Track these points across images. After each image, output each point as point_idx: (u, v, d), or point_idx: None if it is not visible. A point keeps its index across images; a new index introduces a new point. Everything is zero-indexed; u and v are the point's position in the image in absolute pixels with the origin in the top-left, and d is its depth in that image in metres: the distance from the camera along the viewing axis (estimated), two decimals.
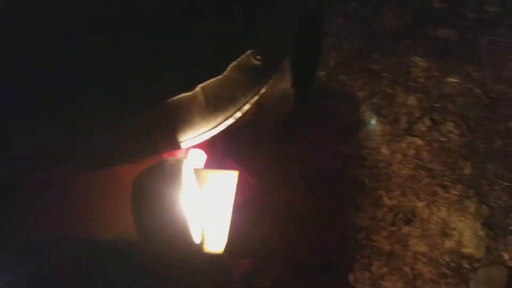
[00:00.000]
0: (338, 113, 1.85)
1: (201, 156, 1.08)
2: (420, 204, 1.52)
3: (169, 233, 0.70)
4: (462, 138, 1.69)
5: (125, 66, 0.68)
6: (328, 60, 2.07)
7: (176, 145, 0.73)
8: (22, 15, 0.69)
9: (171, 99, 0.67)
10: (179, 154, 0.95)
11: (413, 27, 2.19)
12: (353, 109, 1.86)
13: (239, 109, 0.76)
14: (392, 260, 1.42)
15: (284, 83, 1.34)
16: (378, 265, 1.42)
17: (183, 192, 0.72)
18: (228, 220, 0.87)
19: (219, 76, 0.71)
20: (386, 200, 1.55)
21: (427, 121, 1.76)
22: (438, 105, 1.83)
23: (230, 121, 0.76)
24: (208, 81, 0.69)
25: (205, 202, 0.87)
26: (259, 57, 0.76)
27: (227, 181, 0.91)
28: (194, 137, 0.73)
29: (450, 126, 1.73)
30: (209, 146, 1.13)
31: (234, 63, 0.72)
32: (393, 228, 1.49)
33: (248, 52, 0.75)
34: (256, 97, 0.78)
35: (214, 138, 1.10)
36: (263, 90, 0.81)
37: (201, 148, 1.10)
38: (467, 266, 1.37)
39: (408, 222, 1.49)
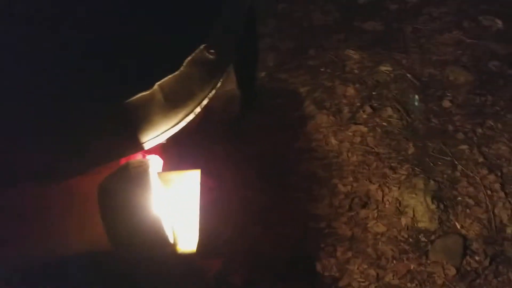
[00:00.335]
0: (284, 109, 1.88)
1: (157, 161, 1.05)
2: (372, 187, 1.58)
3: (144, 235, 0.68)
4: (402, 121, 1.78)
5: (79, 69, 0.65)
6: (267, 61, 2.11)
7: (139, 147, 0.70)
8: None
9: (130, 100, 0.65)
10: (138, 157, 0.92)
11: (342, 23, 2.29)
12: (298, 105, 1.89)
13: (198, 104, 0.74)
14: (355, 244, 1.46)
15: (229, 84, 1.34)
16: (342, 250, 1.45)
17: (152, 193, 0.69)
18: (197, 218, 0.85)
19: (176, 72, 0.70)
20: (341, 188, 1.60)
21: (367, 109, 1.83)
22: (375, 93, 1.91)
23: (191, 116, 0.75)
24: (165, 78, 0.68)
25: (171, 203, 0.84)
26: (212, 51, 0.75)
27: (190, 180, 0.90)
28: (157, 136, 0.71)
29: (389, 111, 1.82)
30: (163, 152, 1.11)
31: (189, 58, 0.71)
32: (351, 213, 1.53)
33: (201, 46, 0.74)
34: (213, 92, 0.78)
35: (165, 145, 1.08)
36: (219, 84, 0.81)
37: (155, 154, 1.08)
38: (424, 239, 1.44)
39: (364, 205, 1.54)
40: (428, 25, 2.20)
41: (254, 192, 1.56)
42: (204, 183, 1.40)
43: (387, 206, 1.53)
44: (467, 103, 1.81)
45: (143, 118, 0.67)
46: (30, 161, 0.64)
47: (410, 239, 1.45)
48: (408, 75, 1.97)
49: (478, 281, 1.33)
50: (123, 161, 0.80)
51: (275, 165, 1.67)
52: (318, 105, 1.88)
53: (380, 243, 1.45)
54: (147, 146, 0.71)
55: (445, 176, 1.58)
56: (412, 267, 1.38)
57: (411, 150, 1.68)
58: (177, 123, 0.73)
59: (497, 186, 1.53)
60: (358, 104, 1.87)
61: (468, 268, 1.36)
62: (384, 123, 1.78)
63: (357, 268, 1.40)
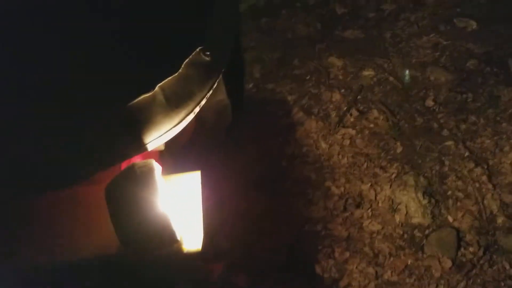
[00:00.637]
0: (274, 117, 1.92)
1: (157, 166, 1.07)
2: (365, 187, 1.61)
3: (152, 231, 0.69)
4: (388, 122, 1.83)
5: (81, 74, 0.67)
6: (253, 73, 2.15)
7: (142, 147, 0.72)
8: None
9: (132, 102, 0.67)
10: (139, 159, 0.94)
11: (323, 33, 2.35)
12: (287, 112, 1.93)
13: (198, 104, 0.77)
14: (352, 244, 1.48)
15: (220, 94, 1.37)
16: (339, 251, 1.47)
17: (158, 191, 0.71)
18: (201, 218, 0.87)
19: (175, 74, 0.72)
20: (334, 190, 1.63)
21: (354, 112, 1.88)
22: (360, 96, 1.96)
23: (191, 116, 0.77)
24: (166, 80, 0.70)
25: (174, 203, 0.86)
26: (208, 53, 0.78)
27: (191, 182, 0.92)
28: (159, 136, 0.73)
29: (375, 113, 1.87)
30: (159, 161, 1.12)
31: (187, 60, 0.74)
32: (346, 214, 1.56)
33: (198, 49, 0.77)
34: (210, 92, 0.81)
35: (162, 154, 1.09)
36: (215, 85, 0.84)
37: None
38: (419, 234, 1.47)
39: (358, 205, 1.57)
40: (405, 30, 2.27)
41: (249, 200, 1.58)
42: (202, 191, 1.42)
43: (380, 204, 1.56)
44: (449, 101, 1.86)
45: (146, 119, 0.69)
46: (36, 168, 0.65)
47: (405, 235, 1.48)
48: (391, 78, 2.02)
49: (474, 271, 1.36)
50: (125, 164, 0.82)
51: (268, 172, 1.70)
52: (306, 111, 1.92)
53: (376, 241, 1.48)
54: (150, 147, 0.73)
55: (433, 172, 1.62)
56: (409, 262, 1.41)
57: (399, 149, 1.72)
58: (179, 123, 0.75)
59: (484, 178, 1.58)
60: (345, 108, 1.91)
61: (464, 260, 1.39)
62: (371, 125, 1.82)
63: (356, 268, 1.42)
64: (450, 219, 1.49)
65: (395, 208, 1.54)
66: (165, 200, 0.74)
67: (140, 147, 0.71)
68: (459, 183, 1.58)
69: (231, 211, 1.51)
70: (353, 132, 1.81)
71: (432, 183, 1.59)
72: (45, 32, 0.66)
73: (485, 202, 1.52)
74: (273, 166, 1.72)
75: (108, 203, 0.69)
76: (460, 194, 1.55)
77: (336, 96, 1.97)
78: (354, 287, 1.38)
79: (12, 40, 0.66)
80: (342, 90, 2.00)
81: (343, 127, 1.83)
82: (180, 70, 0.73)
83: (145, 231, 0.69)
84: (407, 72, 1.89)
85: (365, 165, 1.68)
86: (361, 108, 1.90)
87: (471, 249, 1.41)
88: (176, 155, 1.16)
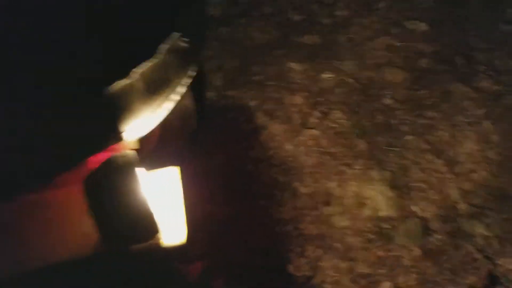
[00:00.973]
0: (237, 123, 1.92)
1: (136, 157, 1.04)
2: (332, 185, 1.63)
3: (135, 222, 0.67)
4: (350, 121, 1.87)
5: (58, 62, 0.65)
6: (214, 81, 2.15)
7: (119, 137, 0.70)
8: None
9: (112, 89, 0.65)
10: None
11: (281, 39, 2.39)
12: (250, 118, 1.94)
13: (174, 91, 0.76)
14: (323, 241, 1.49)
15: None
16: (311, 249, 1.47)
17: (140, 182, 0.70)
18: (183, 212, 0.86)
19: (155, 60, 0.71)
20: (302, 189, 1.64)
21: (317, 114, 1.91)
22: (321, 98, 2.00)
23: (169, 105, 0.76)
24: (144, 66, 0.69)
25: (156, 196, 0.84)
26: (185, 39, 0.78)
27: (170, 177, 0.91)
28: (138, 124, 0.72)
29: (337, 113, 1.90)
30: None
31: (165, 45, 0.73)
32: (315, 213, 1.57)
33: (176, 35, 0.76)
34: (187, 80, 0.80)
35: None
36: (193, 73, 0.83)
37: None
38: (387, 227, 1.50)
39: (327, 203, 1.59)
40: (360, 34, 2.34)
41: (218, 205, 1.57)
42: None
43: (348, 200, 1.58)
44: (406, 98, 1.93)
45: (125, 106, 0.68)
46: (9, 163, 0.62)
47: (375, 228, 1.50)
48: (349, 79, 2.07)
49: (443, 257, 1.40)
50: (91, 161, 0.79)
51: (235, 176, 1.69)
52: (269, 115, 1.94)
53: (347, 236, 1.49)
54: (126, 136, 0.71)
55: (397, 165, 1.67)
56: (380, 254, 1.43)
57: (362, 146, 1.76)
58: (156, 110, 0.74)
59: (444, 168, 1.64)
60: (307, 110, 1.94)
61: (431, 247, 1.43)
62: (334, 125, 1.86)
63: (328, 264, 1.43)
64: (415, 209, 1.53)
65: (362, 203, 1.56)
66: (147, 191, 0.72)
67: (117, 135, 0.69)
68: (422, 174, 1.63)
69: (203, 216, 1.49)
70: (317, 133, 1.84)
71: (396, 176, 1.63)
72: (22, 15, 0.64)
73: (447, 191, 1.57)
74: (240, 170, 1.72)
75: (88, 196, 0.67)
76: (423, 185, 1.59)
77: (298, 99, 2.00)
78: (328, 283, 1.39)
79: None
80: (303, 93, 2.03)
81: (307, 128, 1.85)
82: (160, 57, 0.72)
83: (128, 221, 0.67)
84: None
85: (331, 164, 1.71)
86: (323, 109, 1.94)
87: (437, 236, 1.45)
88: (142, 161, 1.14)
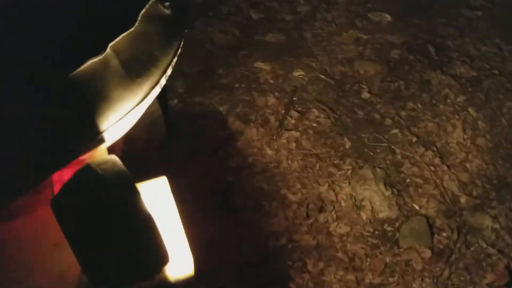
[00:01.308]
0: (209, 131, 1.73)
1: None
2: (322, 188, 1.49)
3: (136, 252, 0.49)
4: (329, 119, 1.74)
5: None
6: (176, 88, 1.95)
7: (97, 139, 0.51)
8: None
9: (77, 70, 0.46)
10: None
11: (243, 39, 2.23)
12: (222, 124, 1.76)
13: (163, 74, 0.58)
14: (323, 252, 1.35)
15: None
16: (312, 262, 1.32)
17: (137, 193, 0.51)
18: (183, 232, 0.68)
19: (130, 29, 0.53)
20: (291, 197, 1.48)
21: (294, 114, 1.77)
22: (296, 97, 1.86)
23: (157, 90, 0.58)
24: (118, 38, 0.50)
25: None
26: (166, 3, 0.60)
27: (159, 188, 0.73)
28: (119, 120, 0.53)
29: (315, 112, 1.77)
30: None
31: (142, 11, 0.55)
32: (309, 221, 1.42)
33: None
34: (175, 59, 0.62)
35: None
36: (179, 50, 0.65)
37: None
38: (390, 229, 1.38)
39: (320, 209, 1.44)
40: (325, 29, 2.24)
41: (202, 220, 1.37)
42: None
43: (343, 204, 1.45)
44: (384, 91, 1.84)
45: (98, 93, 0.49)
46: None
47: (376, 232, 1.37)
48: (322, 76, 1.95)
49: (453, 256, 1.30)
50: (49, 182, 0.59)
51: (215, 190, 1.51)
52: (243, 120, 1.77)
53: (348, 244, 1.36)
54: (107, 137, 0.52)
55: (388, 162, 1.56)
56: (388, 260, 1.30)
57: (347, 144, 1.64)
58: (143, 99, 0.55)
59: (437, 160, 1.54)
60: (283, 111, 1.79)
61: (441, 246, 1.32)
62: (314, 124, 1.72)
63: (334, 277, 1.28)
64: (416, 207, 1.42)
65: (359, 205, 1.43)
66: (147, 207, 0.53)
67: (94, 137, 0.50)
68: (415, 169, 1.53)
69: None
70: (297, 134, 1.69)
71: (389, 173, 1.52)
72: None
73: (444, 184, 1.48)
74: (218, 183, 1.53)
75: (62, 223, 0.47)
76: (419, 180, 1.49)
77: (271, 100, 1.85)
78: None
79: None
80: (276, 94, 1.88)
81: (286, 130, 1.71)
82: (136, 24, 0.53)
83: (125, 252, 0.48)
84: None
85: (317, 166, 1.57)
86: (299, 109, 1.80)
87: (444, 234, 1.35)
88: None
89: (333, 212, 1.43)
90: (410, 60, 1.98)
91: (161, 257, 0.53)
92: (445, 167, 1.52)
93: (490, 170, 1.51)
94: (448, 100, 1.76)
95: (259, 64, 2.05)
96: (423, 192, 1.46)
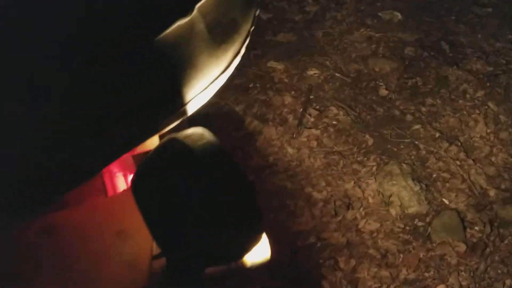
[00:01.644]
0: (226, 131, 1.70)
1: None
2: (348, 186, 1.47)
3: (236, 226, 0.46)
4: (349, 117, 1.72)
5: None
6: None
7: (180, 112, 0.48)
8: None
9: (164, 34, 0.43)
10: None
11: (254, 39, 2.20)
12: (239, 123, 1.73)
13: (244, 42, 0.55)
14: (354, 249, 1.31)
15: None
16: (344, 260, 1.29)
17: (232, 167, 0.48)
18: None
19: None
20: (317, 195, 1.45)
21: (312, 112, 1.75)
22: (313, 96, 1.84)
23: (238, 59, 0.55)
24: (205, 0, 0.47)
25: None
26: None
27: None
28: (204, 89, 0.50)
29: (333, 110, 1.75)
30: None
31: None
32: (337, 219, 1.39)
33: None
34: (253, 28, 0.59)
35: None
36: (256, 14, 0.63)
37: None
38: (421, 224, 1.35)
39: (348, 207, 1.41)
40: (335, 28, 2.22)
41: None
42: None
43: (371, 201, 1.42)
44: (402, 88, 1.82)
45: (185, 60, 0.46)
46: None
47: (407, 228, 1.35)
48: (337, 74, 1.94)
49: (488, 249, 1.27)
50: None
51: None
52: (260, 119, 1.74)
53: (379, 240, 1.33)
54: (190, 108, 0.49)
55: (412, 157, 1.53)
56: (421, 256, 1.27)
57: (370, 141, 1.61)
58: (227, 67, 0.52)
59: (462, 155, 1.53)
60: (301, 109, 1.77)
61: (474, 240, 1.30)
62: (333, 122, 1.70)
63: (367, 274, 1.25)
64: (446, 201, 1.39)
65: (387, 201, 1.41)
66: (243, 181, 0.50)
67: (178, 108, 0.46)
68: (441, 164, 1.50)
69: None
70: (317, 132, 1.67)
71: (415, 169, 1.49)
72: None
73: (472, 178, 1.46)
74: None
75: (146, 198, 0.44)
76: (446, 175, 1.47)
77: (288, 99, 1.82)
78: None
79: None
80: (292, 92, 1.86)
81: (306, 128, 1.68)
82: None
83: (218, 228, 0.45)
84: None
85: (341, 163, 1.54)
86: (317, 107, 1.78)
87: (476, 227, 1.32)
88: None
89: (361, 209, 1.40)
90: (425, 57, 1.96)
91: (257, 232, 0.50)
92: (470, 161, 1.50)
93: None
94: (467, 95, 1.75)
95: (272, 64, 2.03)
96: (451, 187, 1.43)
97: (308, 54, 2.07)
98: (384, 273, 1.24)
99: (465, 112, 1.68)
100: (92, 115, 0.43)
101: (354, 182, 1.47)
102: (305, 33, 2.22)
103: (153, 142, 0.66)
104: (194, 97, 0.48)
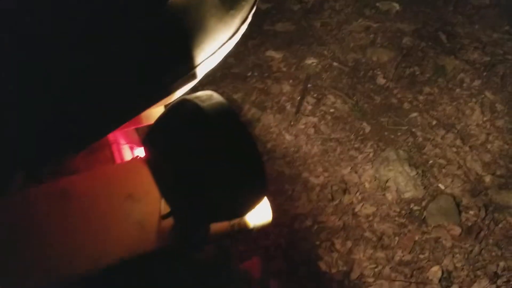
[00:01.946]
0: None
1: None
2: (345, 171, 1.48)
3: (241, 181, 0.47)
4: (347, 105, 1.73)
5: None
6: None
7: (190, 74, 0.49)
8: None
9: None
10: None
11: (253, 28, 2.22)
12: (237, 111, 1.74)
13: (251, 9, 0.57)
14: (350, 232, 1.33)
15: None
16: (340, 242, 1.30)
17: (241, 127, 0.49)
18: None
19: None
20: (314, 180, 1.47)
21: (310, 100, 1.76)
22: (310, 84, 1.85)
23: (245, 26, 0.56)
24: None
25: None
26: None
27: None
28: (213, 53, 0.51)
29: (331, 98, 1.76)
30: None
31: None
32: (334, 203, 1.40)
33: None
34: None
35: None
36: None
37: None
38: (416, 208, 1.36)
39: (344, 191, 1.43)
40: (334, 18, 2.23)
41: None
42: None
43: (367, 186, 1.43)
44: (400, 77, 1.83)
45: (195, 24, 0.47)
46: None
47: (403, 211, 1.36)
48: (335, 63, 1.95)
49: (483, 233, 1.29)
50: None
51: None
52: (258, 107, 1.76)
53: (375, 224, 1.34)
54: (200, 72, 0.50)
55: (409, 144, 1.55)
56: (417, 238, 1.29)
57: (367, 128, 1.63)
58: (234, 33, 0.53)
59: (458, 142, 1.54)
60: (298, 97, 1.78)
61: (469, 224, 1.31)
62: (331, 110, 1.71)
63: (363, 255, 1.27)
64: (442, 186, 1.41)
65: (383, 186, 1.42)
66: (249, 138, 0.51)
67: (188, 71, 0.48)
68: (437, 150, 1.52)
69: None
70: (314, 119, 1.68)
71: (412, 155, 1.51)
72: None
73: (468, 164, 1.47)
74: None
75: (156, 156, 0.45)
76: (442, 161, 1.48)
77: (286, 88, 1.84)
78: (368, 276, 1.22)
79: None
80: (290, 81, 1.87)
81: (303, 115, 1.69)
82: None
83: (226, 185, 0.46)
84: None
85: (338, 150, 1.56)
86: (315, 95, 1.79)
87: (471, 212, 1.34)
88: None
89: (358, 193, 1.41)
90: (423, 46, 1.98)
91: (260, 189, 0.51)
92: (467, 148, 1.52)
93: (511, 151, 1.51)
94: (464, 84, 1.76)
95: (271, 53, 2.04)
96: (447, 173, 1.45)
97: (307, 43, 2.08)
98: (380, 254, 1.26)
99: (462, 101, 1.69)
100: (110, 77, 0.44)
101: (351, 168, 1.48)
102: (303, 23, 2.23)
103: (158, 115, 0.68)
104: (203, 60, 0.50)
